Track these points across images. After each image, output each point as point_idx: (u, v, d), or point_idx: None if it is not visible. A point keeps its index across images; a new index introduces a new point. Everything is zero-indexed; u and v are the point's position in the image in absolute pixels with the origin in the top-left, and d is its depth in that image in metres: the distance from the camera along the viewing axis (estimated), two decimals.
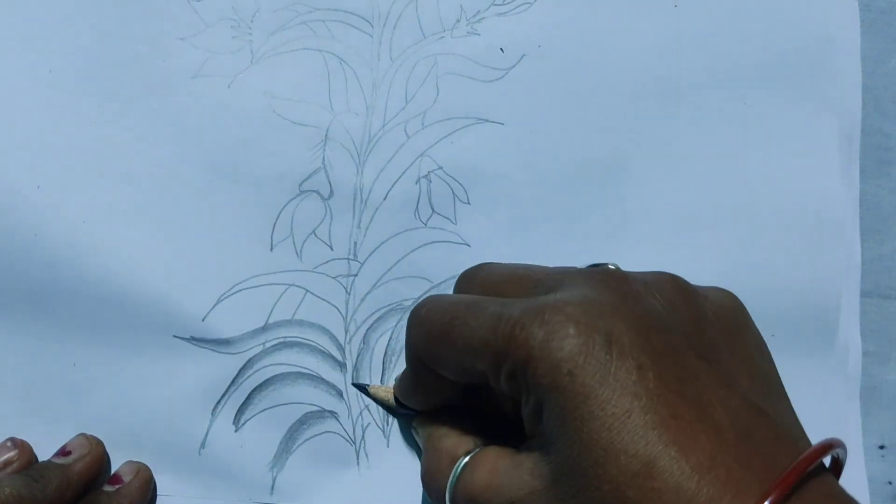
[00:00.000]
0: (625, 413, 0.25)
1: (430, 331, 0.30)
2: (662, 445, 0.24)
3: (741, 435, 0.25)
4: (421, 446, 0.34)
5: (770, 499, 0.23)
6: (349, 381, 0.37)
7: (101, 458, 0.35)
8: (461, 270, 0.34)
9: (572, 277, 0.29)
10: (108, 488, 0.34)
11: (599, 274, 0.29)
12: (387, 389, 0.36)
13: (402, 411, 0.36)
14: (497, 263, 0.33)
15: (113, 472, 0.35)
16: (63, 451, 0.35)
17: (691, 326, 0.28)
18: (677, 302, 0.29)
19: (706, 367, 0.26)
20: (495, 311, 0.28)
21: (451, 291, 0.36)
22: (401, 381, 0.35)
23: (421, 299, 0.33)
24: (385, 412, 0.37)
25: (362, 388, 0.37)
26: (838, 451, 0.26)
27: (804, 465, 0.24)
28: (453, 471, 0.30)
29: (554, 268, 0.31)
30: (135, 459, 0.36)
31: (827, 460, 0.27)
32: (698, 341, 0.27)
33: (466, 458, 0.30)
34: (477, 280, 0.32)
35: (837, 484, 0.26)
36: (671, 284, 0.29)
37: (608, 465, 0.24)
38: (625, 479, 0.24)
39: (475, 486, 0.29)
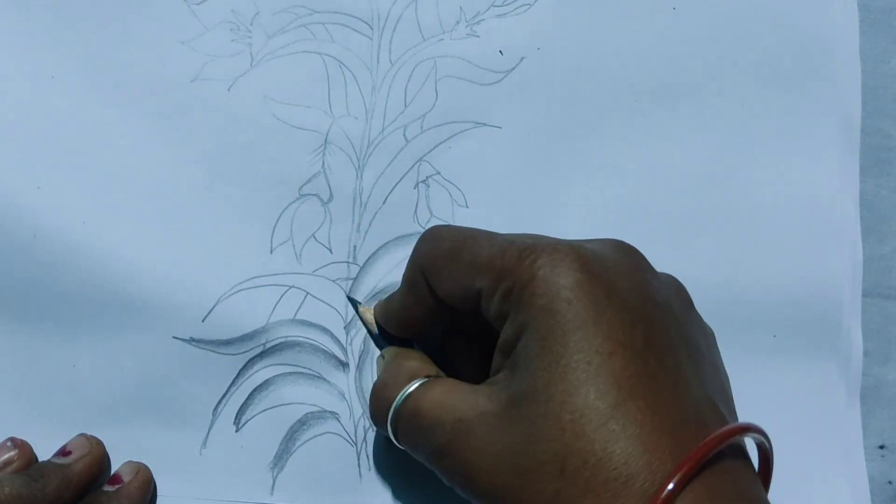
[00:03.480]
0: (608, 354, 0.25)
1: (440, 245, 0.30)
2: (633, 397, 0.25)
3: (698, 420, 0.25)
4: (379, 371, 0.33)
5: (678, 475, 0.23)
6: (351, 382, 0.36)
7: (101, 458, 0.34)
8: None
9: (590, 240, 0.29)
10: (108, 488, 0.33)
11: (617, 241, 0.29)
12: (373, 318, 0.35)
13: (378, 335, 0.34)
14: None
15: (113, 472, 0.34)
16: (63, 451, 0.34)
17: (682, 315, 0.28)
18: (676, 296, 0.29)
19: (686, 353, 0.27)
20: (508, 238, 0.28)
21: None
22: (386, 302, 0.34)
23: None
24: None
25: (354, 304, 0.36)
26: (756, 436, 0.26)
27: (711, 445, 0.24)
28: (407, 386, 0.29)
29: None
30: (135, 459, 0.35)
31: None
32: (684, 330, 0.28)
33: (425, 380, 0.30)
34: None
35: (745, 468, 0.26)
36: (674, 282, 0.30)
37: (577, 395, 0.25)
38: (589, 413, 0.24)
39: (425, 401, 0.29)
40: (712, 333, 0.30)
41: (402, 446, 0.30)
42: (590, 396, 0.24)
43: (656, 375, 0.25)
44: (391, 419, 0.30)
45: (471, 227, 0.30)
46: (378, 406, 0.30)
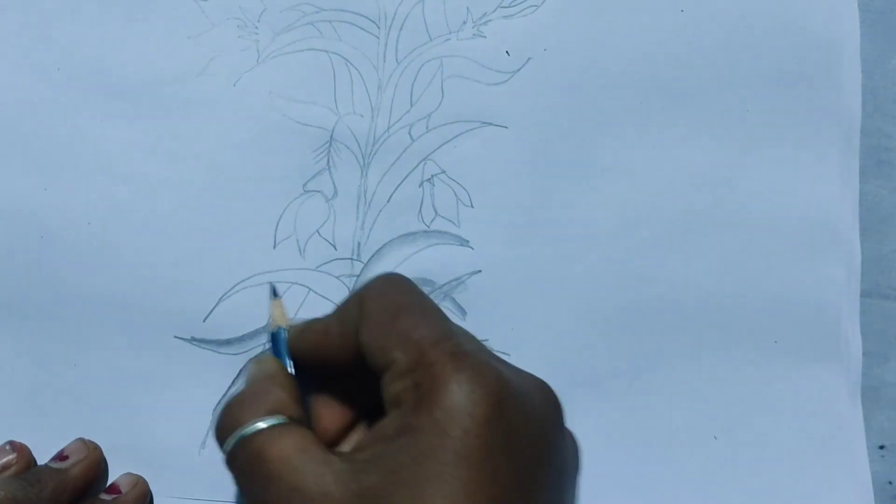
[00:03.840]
0: None
1: (392, 296, 0.27)
2: None
3: None
4: (246, 377, 0.30)
5: None
6: None
7: (97, 463, 0.34)
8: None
9: (522, 374, 0.27)
10: (105, 497, 0.33)
11: (545, 386, 0.27)
12: (284, 320, 0.32)
13: (273, 335, 0.31)
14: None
15: (111, 481, 0.34)
16: (60, 456, 0.33)
17: (570, 483, 0.27)
18: (572, 459, 0.28)
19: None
20: (452, 332, 0.26)
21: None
22: (310, 321, 0.30)
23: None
24: None
25: (273, 291, 0.33)
26: None
27: None
28: (263, 420, 0.27)
29: None
30: (135, 459, 0.35)
31: None
32: (563, 498, 0.27)
33: (285, 420, 0.27)
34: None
35: None
36: (573, 443, 0.28)
37: None
38: None
39: (273, 449, 0.26)
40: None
41: (228, 470, 0.27)
42: None
43: None
44: (232, 444, 0.27)
45: (427, 298, 0.28)
46: (225, 422, 0.27)
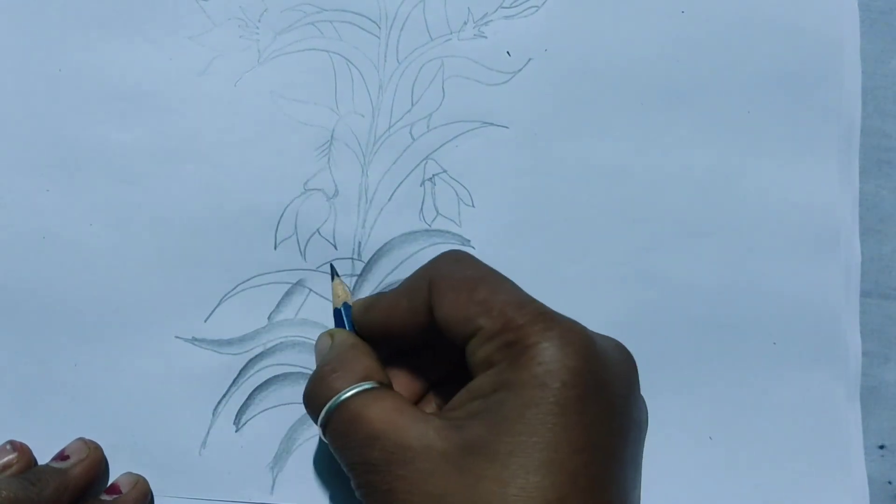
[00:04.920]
0: (578, 449, 0.25)
1: (460, 269, 0.29)
2: (582, 498, 0.25)
3: None
4: (328, 350, 0.31)
5: None
6: None
7: (98, 463, 0.34)
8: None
9: (600, 335, 0.29)
10: (105, 497, 0.33)
11: (622, 345, 0.29)
12: (348, 296, 0.34)
13: (338, 312, 0.33)
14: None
15: (111, 480, 0.34)
16: (61, 456, 0.33)
17: (642, 436, 0.29)
18: (645, 417, 0.30)
19: (633, 470, 0.28)
20: (529, 296, 0.28)
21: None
22: (374, 297, 0.32)
23: None
24: None
25: (333, 271, 0.35)
26: None
27: None
28: (358, 384, 0.28)
29: None
30: (135, 459, 0.34)
31: None
32: (640, 451, 0.29)
33: (376, 385, 0.29)
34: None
35: None
36: (644, 404, 0.30)
37: (532, 475, 0.25)
38: (536, 497, 0.24)
39: (372, 409, 0.27)
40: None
41: (325, 439, 0.29)
42: (544, 482, 0.24)
43: (610, 485, 0.26)
44: (327, 409, 0.28)
45: (494, 269, 0.29)
46: (320, 391, 0.29)
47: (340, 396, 0.28)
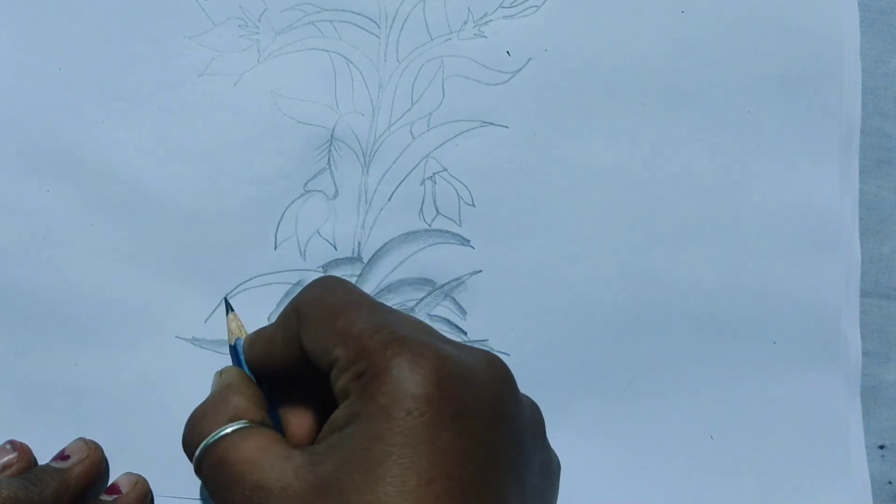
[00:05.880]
0: (429, 480, 0.24)
1: (325, 297, 0.28)
2: None
3: None
4: (211, 390, 0.31)
5: None
6: None
7: (99, 463, 0.33)
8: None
9: (464, 348, 0.27)
10: (105, 498, 0.33)
11: (490, 356, 0.27)
12: (241, 331, 0.33)
13: (233, 348, 0.32)
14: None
15: (112, 481, 0.34)
16: (62, 455, 0.33)
17: (530, 451, 0.27)
18: (531, 427, 0.28)
19: (517, 493, 0.26)
20: (387, 320, 0.27)
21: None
22: (259, 330, 0.32)
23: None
24: None
25: (228, 306, 0.34)
26: None
27: None
28: (223, 428, 0.28)
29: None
30: (135, 459, 0.34)
31: None
32: (526, 469, 0.27)
33: (247, 424, 0.28)
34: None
35: None
36: (534, 411, 0.28)
37: None
38: None
39: (234, 452, 0.27)
40: (558, 465, 0.29)
41: (201, 481, 0.28)
42: None
43: None
44: (196, 456, 0.28)
45: (363, 294, 0.29)
46: (190, 436, 0.28)
47: (208, 441, 0.27)
